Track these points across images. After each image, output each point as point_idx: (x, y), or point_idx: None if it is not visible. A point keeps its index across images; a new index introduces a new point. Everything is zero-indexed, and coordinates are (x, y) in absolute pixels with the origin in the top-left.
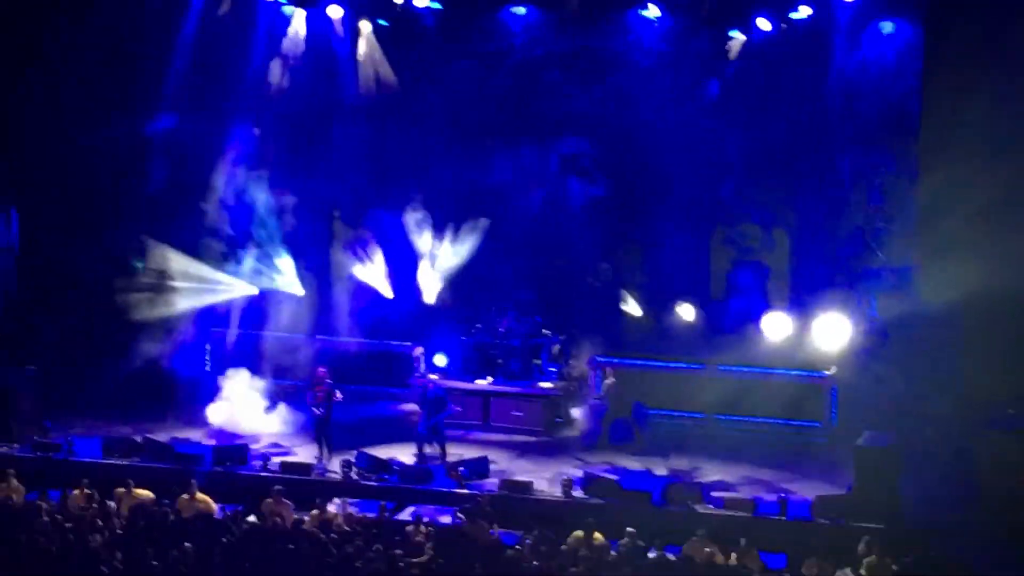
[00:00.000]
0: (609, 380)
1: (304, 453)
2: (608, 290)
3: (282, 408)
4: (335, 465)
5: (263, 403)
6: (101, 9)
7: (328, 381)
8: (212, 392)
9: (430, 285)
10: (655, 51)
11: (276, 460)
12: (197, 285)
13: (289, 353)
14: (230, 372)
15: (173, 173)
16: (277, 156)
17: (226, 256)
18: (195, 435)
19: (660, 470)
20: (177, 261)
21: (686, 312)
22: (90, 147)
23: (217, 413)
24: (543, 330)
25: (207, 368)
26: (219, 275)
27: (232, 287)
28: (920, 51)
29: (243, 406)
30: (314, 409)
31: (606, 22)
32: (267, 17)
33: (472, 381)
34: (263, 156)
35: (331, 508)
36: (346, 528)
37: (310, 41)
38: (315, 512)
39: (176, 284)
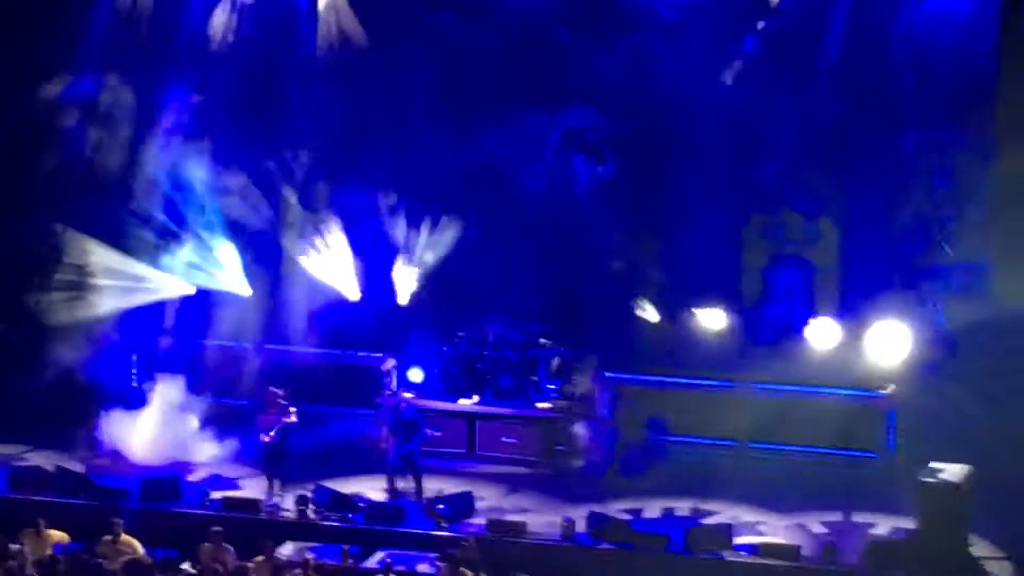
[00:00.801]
0: (625, 401)
1: (252, 487)
2: (620, 292)
3: (216, 432)
4: (288, 502)
5: (192, 424)
6: None
7: (282, 402)
8: (138, 410)
9: (404, 284)
10: (681, 3)
11: (217, 495)
12: (122, 283)
13: (232, 365)
14: (157, 385)
15: (94, 147)
16: (221, 127)
17: (157, 247)
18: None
19: (682, 510)
20: (98, 254)
21: (714, 319)
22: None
23: (121, 429)
24: (541, 340)
25: (133, 383)
26: (149, 271)
27: (164, 285)
28: (998, 9)
29: (167, 427)
30: (263, 436)
31: None
32: None
33: (454, 401)
34: (203, 126)
35: (283, 553)
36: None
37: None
38: (261, 558)
39: (97, 282)
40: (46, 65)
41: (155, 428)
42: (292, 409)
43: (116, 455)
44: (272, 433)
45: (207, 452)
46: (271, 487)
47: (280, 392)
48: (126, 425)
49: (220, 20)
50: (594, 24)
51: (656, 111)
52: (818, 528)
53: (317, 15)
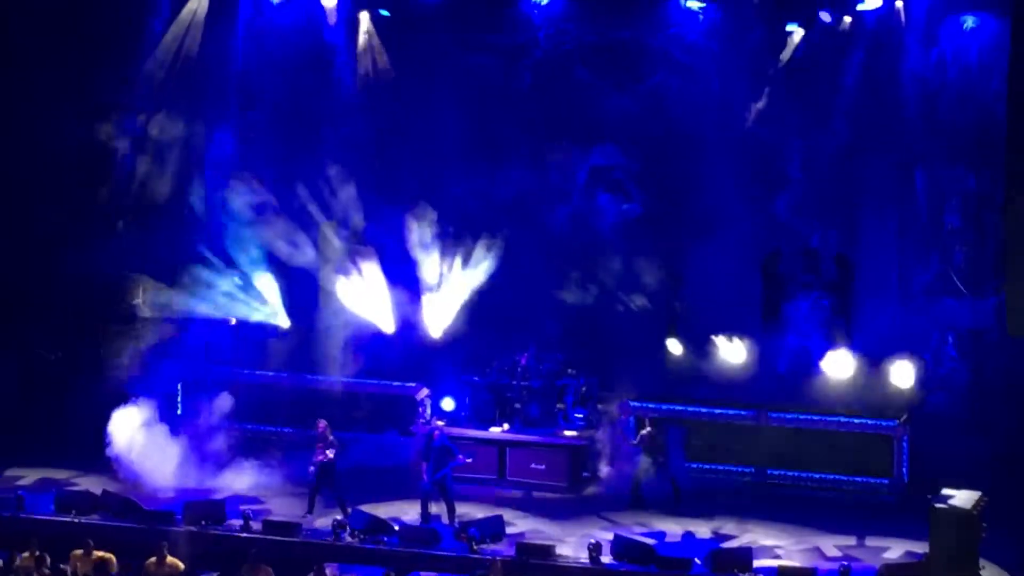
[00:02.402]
0: (646, 430)
1: (289, 511)
2: (644, 324)
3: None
4: (326, 524)
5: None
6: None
7: (329, 437)
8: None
9: (436, 315)
10: (700, 47)
11: (257, 519)
12: (169, 314)
13: (272, 394)
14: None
15: (141, 181)
16: (261, 161)
17: (201, 279)
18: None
19: (703, 533)
20: (148, 285)
21: (734, 350)
22: (47, 152)
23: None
24: (568, 370)
25: (178, 412)
26: (193, 303)
27: (207, 316)
28: (1007, 49)
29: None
30: (311, 467)
31: (643, 13)
32: (250, 7)
33: (485, 428)
34: (245, 164)
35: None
36: None
37: (300, 33)
38: None
39: (146, 313)
40: (96, 101)
41: (180, 453)
42: (331, 451)
43: (135, 479)
44: (312, 467)
45: (247, 478)
46: (310, 510)
47: (323, 425)
48: (156, 449)
49: (262, 63)
50: (615, 67)
51: (676, 149)
52: (833, 552)
53: (353, 58)
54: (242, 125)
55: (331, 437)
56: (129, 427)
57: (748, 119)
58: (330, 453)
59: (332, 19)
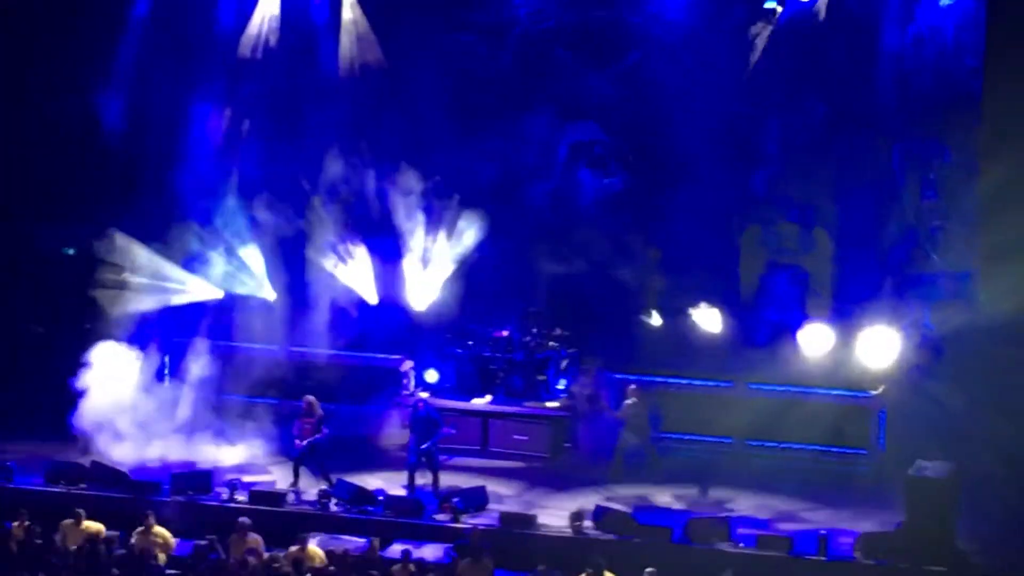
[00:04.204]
0: (631, 400)
1: (277, 482)
2: (625, 297)
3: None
4: (311, 495)
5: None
6: None
7: (318, 413)
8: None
9: (420, 289)
10: (679, 24)
11: (243, 489)
12: (157, 283)
13: (258, 367)
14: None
15: (128, 158)
16: (247, 139)
17: (189, 253)
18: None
19: (682, 503)
20: (137, 253)
21: (712, 322)
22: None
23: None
24: (550, 342)
25: (166, 383)
26: (181, 273)
27: (195, 289)
28: (982, 24)
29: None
30: (297, 441)
31: None
32: None
33: (468, 400)
34: (231, 140)
35: (312, 544)
36: (323, 567)
37: (285, 11)
38: (293, 549)
39: (137, 279)
40: (80, 75)
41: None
42: (323, 428)
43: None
44: (303, 442)
45: (237, 450)
46: (296, 481)
47: (314, 402)
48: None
49: (247, 40)
50: (596, 44)
51: (655, 126)
52: (811, 522)
53: (338, 36)
54: (228, 101)
55: (320, 412)
56: (112, 364)
57: (726, 96)
58: (322, 433)
59: None
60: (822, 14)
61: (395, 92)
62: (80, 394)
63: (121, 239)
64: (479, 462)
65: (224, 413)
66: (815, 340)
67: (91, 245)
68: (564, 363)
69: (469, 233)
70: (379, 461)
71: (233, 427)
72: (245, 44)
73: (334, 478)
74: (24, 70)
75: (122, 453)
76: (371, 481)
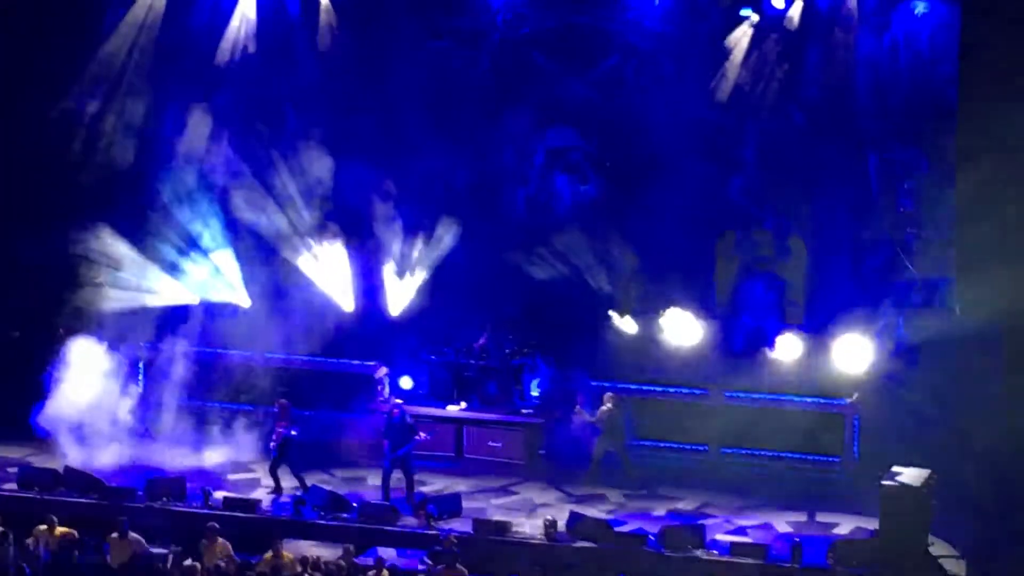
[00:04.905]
0: (607, 406)
1: (251, 487)
2: (601, 304)
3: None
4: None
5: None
6: None
7: (290, 415)
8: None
9: (396, 294)
10: (656, 32)
11: (218, 495)
12: (136, 284)
13: (232, 373)
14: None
15: (104, 162)
16: (224, 144)
17: (163, 259)
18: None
19: (657, 510)
20: (121, 251)
21: (687, 329)
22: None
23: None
24: (525, 349)
25: (139, 389)
26: (160, 275)
27: (172, 293)
28: (957, 34)
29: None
30: (271, 443)
31: None
32: None
33: (443, 407)
34: (207, 143)
35: (286, 551)
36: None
37: (261, 17)
38: (268, 555)
39: (116, 278)
40: (54, 83)
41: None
42: (293, 429)
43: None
44: (272, 443)
45: (212, 455)
46: (276, 487)
47: (286, 404)
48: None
49: (223, 45)
50: (573, 51)
51: (631, 133)
52: (786, 528)
53: (314, 41)
54: (203, 104)
55: (291, 413)
56: (85, 363)
57: (702, 103)
58: (292, 431)
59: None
60: (797, 21)
61: (372, 97)
62: (48, 392)
63: (106, 235)
64: (454, 468)
65: (198, 418)
66: (790, 347)
67: (68, 246)
68: (539, 370)
69: (445, 238)
70: (352, 468)
71: (207, 433)
72: (222, 49)
73: (308, 481)
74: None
75: (90, 456)
76: (345, 487)
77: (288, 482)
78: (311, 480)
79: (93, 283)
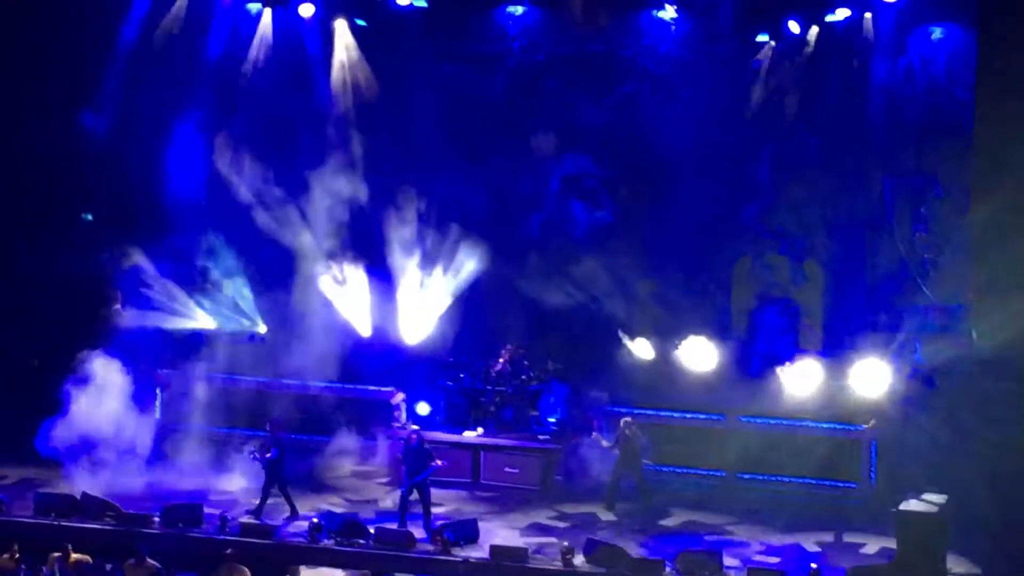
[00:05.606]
0: (624, 431)
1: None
2: (616, 329)
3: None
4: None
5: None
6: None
7: (276, 436)
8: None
9: (412, 320)
10: (671, 57)
11: (236, 520)
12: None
13: (247, 399)
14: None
15: (114, 185)
16: (239, 168)
17: (182, 281)
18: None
19: (674, 535)
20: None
21: (704, 355)
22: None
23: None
24: (541, 374)
25: (156, 415)
26: (178, 300)
27: (190, 318)
28: (973, 59)
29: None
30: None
31: (616, 24)
32: (229, 17)
33: (460, 432)
34: (225, 167)
35: None
36: None
37: (279, 43)
38: None
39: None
40: (68, 98)
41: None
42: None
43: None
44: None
45: (227, 481)
46: (292, 512)
47: (272, 425)
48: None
49: (241, 72)
50: (588, 76)
51: (646, 158)
52: (802, 554)
53: (332, 67)
54: (222, 128)
55: (277, 435)
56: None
57: (717, 129)
58: (268, 454)
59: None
60: (813, 46)
61: (388, 122)
62: (62, 412)
63: (125, 258)
64: (471, 494)
65: (213, 444)
66: (806, 373)
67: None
68: (555, 395)
69: (461, 264)
70: (367, 493)
71: (222, 458)
72: (240, 71)
73: (297, 505)
74: (10, 91)
75: (105, 481)
76: (361, 513)
77: (272, 500)
78: (325, 505)
79: (112, 305)
